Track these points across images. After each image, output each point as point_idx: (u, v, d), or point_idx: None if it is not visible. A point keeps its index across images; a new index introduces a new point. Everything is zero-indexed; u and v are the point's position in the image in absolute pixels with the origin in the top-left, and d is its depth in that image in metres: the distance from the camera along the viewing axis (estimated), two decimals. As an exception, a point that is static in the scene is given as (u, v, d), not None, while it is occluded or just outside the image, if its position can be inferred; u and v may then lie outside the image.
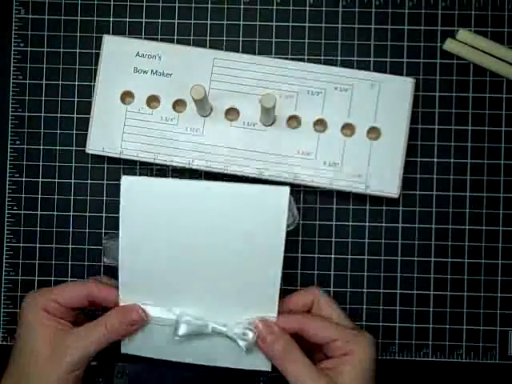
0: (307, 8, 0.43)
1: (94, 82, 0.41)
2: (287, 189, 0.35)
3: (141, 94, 0.40)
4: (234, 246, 0.36)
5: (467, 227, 0.42)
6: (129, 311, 0.36)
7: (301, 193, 0.42)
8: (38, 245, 0.43)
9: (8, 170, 0.43)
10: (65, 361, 0.34)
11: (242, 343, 0.35)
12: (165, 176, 0.42)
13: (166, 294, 0.36)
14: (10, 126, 0.43)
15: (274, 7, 0.43)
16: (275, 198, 0.35)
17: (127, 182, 0.35)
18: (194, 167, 0.40)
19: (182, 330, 0.36)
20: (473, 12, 0.42)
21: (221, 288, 0.36)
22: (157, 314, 0.36)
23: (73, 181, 0.43)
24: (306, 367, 0.34)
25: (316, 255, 0.42)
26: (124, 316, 0.36)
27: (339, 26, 0.42)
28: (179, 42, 0.42)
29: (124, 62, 0.40)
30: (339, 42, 0.42)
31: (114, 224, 0.42)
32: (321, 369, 0.34)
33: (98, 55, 0.41)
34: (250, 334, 0.35)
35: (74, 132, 0.43)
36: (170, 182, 0.37)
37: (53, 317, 0.35)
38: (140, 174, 0.43)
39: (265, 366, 0.36)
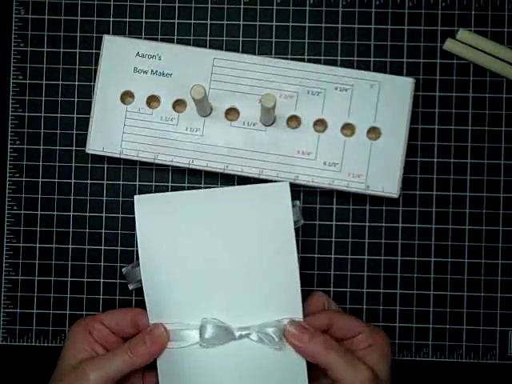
0: (307, 8, 0.43)
1: (94, 82, 0.41)
2: (287, 183, 0.36)
3: (141, 94, 0.40)
4: (249, 248, 0.36)
5: (467, 227, 0.42)
6: (149, 331, 0.36)
7: (301, 193, 0.42)
8: (37, 245, 0.43)
9: (8, 170, 0.43)
10: None
11: (271, 344, 0.35)
12: (164, 177, 0.42)
13: (191, 306, 0.36)
14: (9, 125, 0.43)
15: (274, 7, 0.43)
16: (278, 192, 0.36)
17: (140, 201, 0.37)
18: (194, 167, 0.40)
19: (208, 332, 0.35)
20: (473, 12, 0.42)
21: (242, 294, 0.36)
22: (183, 327, 0.36)
23: (73, 181, 0.43)
24: (348, 357, 0.34)
25: (316, 255, 0.42)
26: (145, 337, 0.35)
27: (339, 26, 0.42)
28: (179, 42, 0.42)
29: (124, 61, 0.40)
30: (339, 42, 0.42)
31: (114, 224, 0.42)
32: (357, 357, 0.35)
33: (97, 55, 0.41)
34: (277, 334, 0.35)
35: (74, 132, 0.43)
36: (180, 194, 0.38)
37: (92, 341, 0.36)
38: (140, 174, 0.43)
39: (296, 366, 0.36)
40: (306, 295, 0.42)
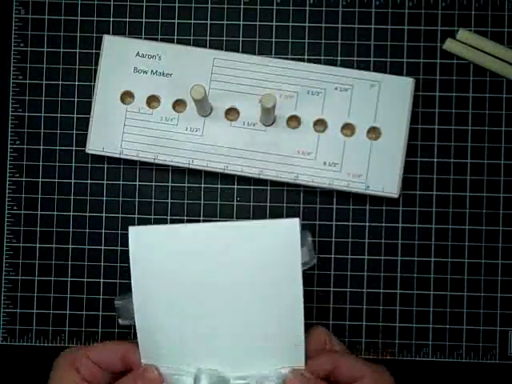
0: (307, 8, 0.43)
1: (94, 82, 0.41)
2: (296, 220, 0.33)
3: (141, 94, 0.40)
4: (250, 291, 0.34)
5: (467, 227, 0.42)
6: (142, 373, 0.34)
7: (301, 193, 0.42)
8: (37, 245, 0.43)
9: (8, 170, 0.43)
10: None
11: None
12: (164, 177, 0.42)
13: (186, 349, 0.35)
14: (9, 125, 0.43)
15: (274, 7, 0.43)
16: (286, 231, 0.33)
17: (135, 233, 0.34)
18: (194, 167, 0.40)
19: (203, 383, 0.34)
20: (473, 12, 0.42)
21: (241, 339, 0.34)
22: (177, 371, 0.35)
23: (73, 181, 0.43)
24: None
25: (316, 255, 0.42)
26: (137, 380, 0.34)
27: (339, 26, 0.42)
28: (179, 42, 0.42)
29: (124, 62, 0.40)
30: (339, 42, 0.42)
31: (113, 224, 0.42)
32: None
33: (98, 55, 0.41)
34: None
35: (74, 132, 0.43)
36: (179, 228, 0.35)
37: (80, 379, 0.34)
38: (140, 174, 0.43)
39: None
40: (306, 295, 0.42)
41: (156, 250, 0.34)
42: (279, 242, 0.34)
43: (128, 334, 0.42)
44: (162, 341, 0.35)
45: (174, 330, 0.34)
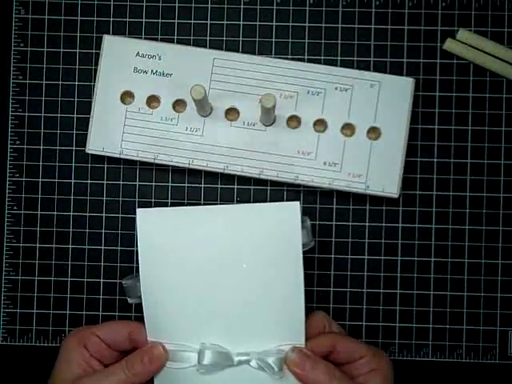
0: (307, 8, 0.43)
1: (94, 82, 0.41)
2: (297, 203, 0.35)
3: (141, 94, 0.40)
4: (253, 269, 0.35)
5: (467, 227, 0.42)
6: (148, 350, 0.35)
7: (301, 193, 0.42)
8: (38, 245, 0.43)
9: (8, 170, 0.43)
10: None
11: (270, 372, 0.34)
12: (164, 177, 0.42)
13: (191, 327, 0.35)
14: (9, 125, 0.43)
15: (274, 7, 0.43)
16: (287, 214, 0.34)
17: (142, 214, 0.35)
18: (194, 167, 0.40)
19: (207, 358, 0.35)
20: (473, 12, 0.42)
21: (244, 317, 0.35)
22: (182, 348, 0.35)
23: (73, 181, 0.43)
24: None
25: (316, 255, 0.42)
26: (144, 355, 0.34)
27: (339, 26, 0.42)
28: (179, 42, 0.42)
29: (124, 61, 0.40)
30: (339, 42, 0.42)
31: (114, 224, 0.42)
32: (360, 383, 0.34)
33: (98, 55, 0.41)
34: (277, 364, 0.34)
35: (74, 132, 0.43)
36: (185, 210, 0.36)
37: (88, 355, 0.35)
38: (140, 174, 0.43)
39: None
40: (306, 295, 0.42)
41: (162, 232, 0.35)
42: (281, 224, 0.35)
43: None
44: (167, 318, 0.35)
45: (180, 308, 0.35)
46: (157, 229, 0.35)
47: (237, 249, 0.35)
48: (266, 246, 0.35)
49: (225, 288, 0.35)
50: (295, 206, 0.35)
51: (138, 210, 0.35)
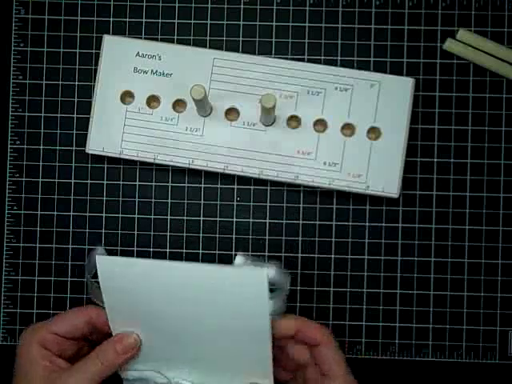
0: (307, 8, 0.43)
1: (94, 81, 0.41)
2: (264, 272, 0.33)
3: (141, 94, 0.40)
4: (219, 323, 0.34)
5: (467, 227, 0.42)
6: (121, 339, 0.35)
7: (301, 193, 0.42)
8: (37, 245, 0.43)
9: (8, 170, 0.43)
10: None
11: None
12: (164, 177, 0.42)
13: (157, 360, 0.36)
14: (9, 125, 0.43)
15: (274, 7, 0.43)
16: (253, 281, 0.33)
17: (103, 262, 0.34)
18: (194, 167, 0.40)
19: None
20: (473, 12, 0.42)
21: (211, 358, 0.35)
22: (148, 376, 0.36)
23: (73, 181, 0.43)
24: None
25: (316, 255, 0.42)
26: (116, 345, 0.35)
27: (339, 25, 0.42)
28: (179, 42, 0.42)
29: (124, 61, 0.40)
30: (339, 42, 0.42)
31: (113, 224, 0.42)
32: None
33: (98, 55, 0.41)
34: None
35: (74, 132, 0.43)
36: (146, 264, 0.35)
37: (50, 354, 0.34)
38: (140, 174, 0.43)
39: None
40: (306, 295, 0.42)
41: (125, 278, 0.34)
42: (247, 289, 0.33)
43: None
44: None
45: (146, 342, 0.36)
46: (118, 275, 0.34)
47: (200, 302, 0.34)
48: (232, 304, 0.34)
49: (190, 332, 0.35)
50: (262, 275, 0.33)
51: (97, 257, 0.34)
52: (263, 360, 0.35)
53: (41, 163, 0.43)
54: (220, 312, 0.34)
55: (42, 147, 0.43)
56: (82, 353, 0.37)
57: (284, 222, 0.42)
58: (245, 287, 0.33)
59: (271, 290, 0.34)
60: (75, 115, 0.43)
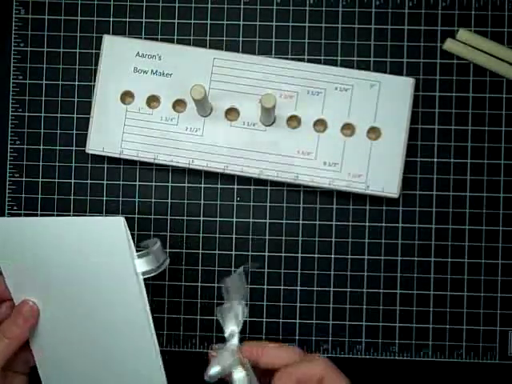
0: (307, 8, 0.43)
1: (94, 81, 0.41)
2: (121, 219, 0.32)
3: (141, 94, 0.40)
4: (93, 307, 0.34)
5: (467, 227, 0.42)
6: (19, 310, 0.35)
7: (301, 193, 0.42)
8: (37, 245, 0.43)
9: (8, 170, 0.43)
10: None
11: None
12: (164, 177, 0.42)
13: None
14: (9, 125, 0.43)
15: (274, 7, 0.43)
16: (111, 229, 0.32)
17: None
18: (194, 167, 0.40)
19: None
20: (473, 12, 0.42)
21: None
22: None
23: (73, 181, 0.43)
24: None
25: (316, 255, 0.42)
26: (17, 318, 0.35)
27: (339, 25, 0.42)
28: (179, 42, 0.42)
29: (124, 61, 0.40)
30: (339, 42, 0.42)
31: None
32: None
33: (98, 55, 0.41)
34: None
35: (74, 132, 0.43)
36: (19, 221, 0.35)
37: None
38: (140, 174, 0.43)
39: None
40: (306, 295, 0.42)
41: (11, 243, 0.34)
42: (106, 240, 0.32)
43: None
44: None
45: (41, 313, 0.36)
46: (6, 239, 0.34)
47: (67, 259, 0.33)
48: (95, 260, 0.33)
49: (69, 304, 0.35)
50: (118, 221, 0.32)
51: None
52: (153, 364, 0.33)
53: (41, 163, 0.43)
54: (86, 272, 0.33)
55: (41, 147, 0.43)
56: None
57: (284, 221, 0.42)
58: (104, 234, 0.32)
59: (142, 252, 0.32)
60: (75, 115, 0.43)
